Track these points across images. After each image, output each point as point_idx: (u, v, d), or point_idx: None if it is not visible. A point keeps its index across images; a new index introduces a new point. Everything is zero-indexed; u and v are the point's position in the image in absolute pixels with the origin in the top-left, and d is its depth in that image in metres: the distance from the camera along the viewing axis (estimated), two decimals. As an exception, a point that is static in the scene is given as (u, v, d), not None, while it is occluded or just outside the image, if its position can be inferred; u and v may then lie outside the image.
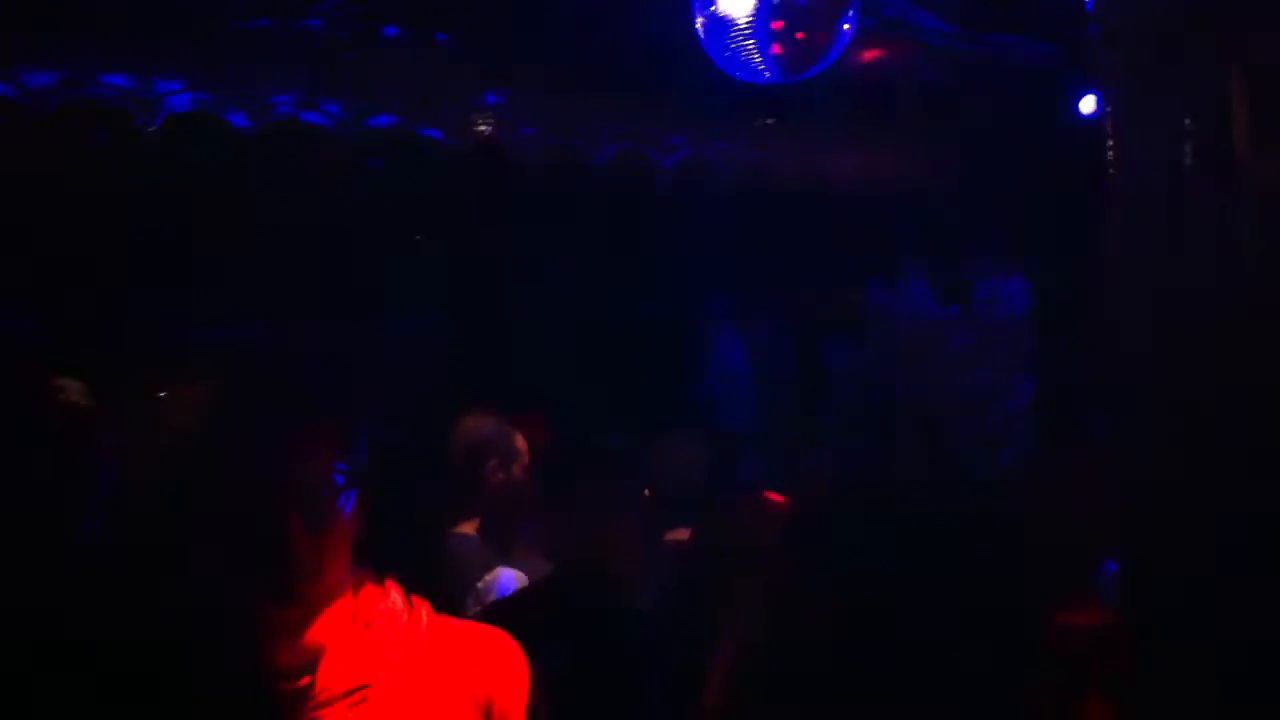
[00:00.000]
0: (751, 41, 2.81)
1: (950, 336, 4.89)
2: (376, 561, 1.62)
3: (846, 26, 2.78)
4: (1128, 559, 1.50)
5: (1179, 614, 1.40)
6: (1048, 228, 4.26)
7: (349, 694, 1.50)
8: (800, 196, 4.65)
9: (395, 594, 1.62)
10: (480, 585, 3.12)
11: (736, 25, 2.79)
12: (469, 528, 3.49)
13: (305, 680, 1.48)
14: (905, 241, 5.01)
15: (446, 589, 3.04)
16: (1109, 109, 1.37)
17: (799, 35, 2.79)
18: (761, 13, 2.74)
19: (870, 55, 3.60)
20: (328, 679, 1.50)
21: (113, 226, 4.14)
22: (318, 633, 1.51)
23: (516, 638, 1.66)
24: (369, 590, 1.59)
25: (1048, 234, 4.26)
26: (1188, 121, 1.34)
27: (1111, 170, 1.36)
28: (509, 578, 3.15)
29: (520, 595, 2.82)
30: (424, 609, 1.63)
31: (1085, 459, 2.33)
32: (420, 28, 3.87)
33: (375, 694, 1.51)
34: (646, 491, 2.91)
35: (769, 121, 4.25)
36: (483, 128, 4.25)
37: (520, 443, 3.59)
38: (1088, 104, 3.49)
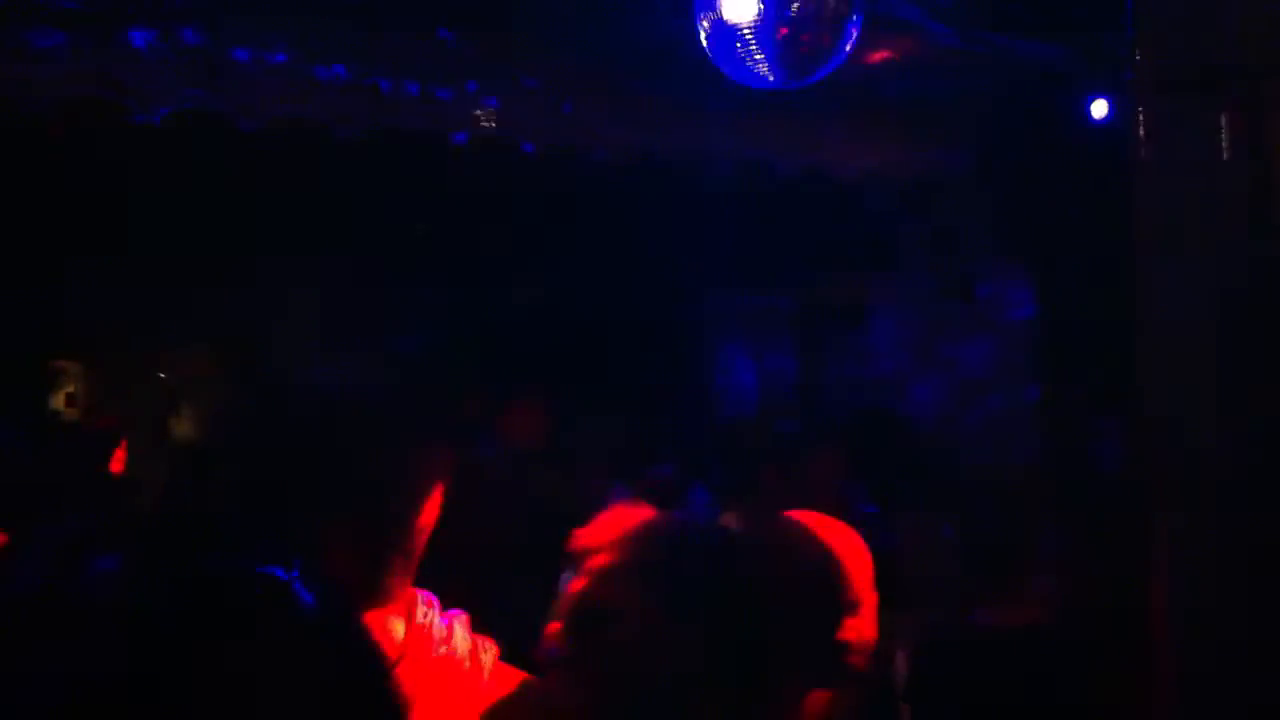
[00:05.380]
0: (755, 46, 2.76)
1: (952, 331, 4.85)
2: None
3: (851, 31, 2.73)
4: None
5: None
6: (1055, 229, 4.21)
7: None
8: (803, 188, 4.61)
9: (462, 631, 1.50)
10: None
11: (740, 30, 2.74)
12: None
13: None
14: (910, 234, 4.97)
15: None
16: (1148, 148, 1.37)
17: (804, 40, 2.73)
18: (766, 19, 2.69)
19: (875, 56, 3.56)
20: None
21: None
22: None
23: None
24: (431, 623, 1.47)
25: (1055, 236, 4.21)
26: (1224, 153, 1.33)
27: (1148, 204, 1.36)
28: None
29: None
30: (491, 653, 1.51)
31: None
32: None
33: None
34: None
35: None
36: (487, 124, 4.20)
37: None
38: (1099, 108, 3.44)
